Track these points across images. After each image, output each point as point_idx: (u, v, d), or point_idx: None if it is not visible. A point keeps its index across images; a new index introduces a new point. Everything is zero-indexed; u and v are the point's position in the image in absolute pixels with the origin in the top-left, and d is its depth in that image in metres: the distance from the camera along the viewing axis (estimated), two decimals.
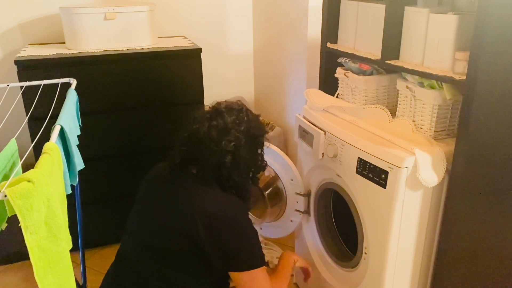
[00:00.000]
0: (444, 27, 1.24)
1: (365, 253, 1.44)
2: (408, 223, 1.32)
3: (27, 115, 1.74)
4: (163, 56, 2.07)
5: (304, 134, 1.63)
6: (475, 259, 1.40)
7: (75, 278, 1.03)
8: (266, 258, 2.09)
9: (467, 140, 1.20)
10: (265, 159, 1.42)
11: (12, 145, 1.22)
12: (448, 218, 1.30)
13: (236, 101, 1.37)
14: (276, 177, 1.75)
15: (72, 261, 0.97)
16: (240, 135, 1.27)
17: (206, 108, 1.38)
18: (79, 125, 1.56)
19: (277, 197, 1.79)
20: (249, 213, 1.41)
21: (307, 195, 1.71)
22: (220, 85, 2.77)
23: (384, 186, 1.28)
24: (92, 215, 2.14)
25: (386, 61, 1.41)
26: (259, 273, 1.24)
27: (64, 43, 2.19)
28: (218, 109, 1.31)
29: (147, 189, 1.40)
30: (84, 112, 1.73)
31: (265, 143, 1.40)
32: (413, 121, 1.39)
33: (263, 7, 2.61)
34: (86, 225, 1.95)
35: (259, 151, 1.37)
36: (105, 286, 1.37)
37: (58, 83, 1.60)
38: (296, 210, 1.75)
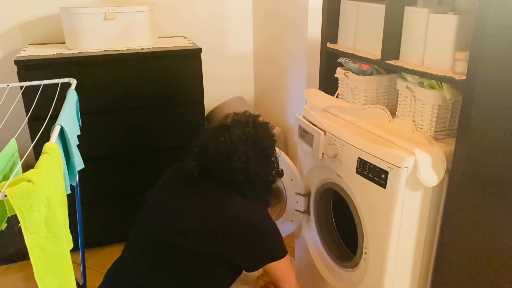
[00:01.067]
0: (444, 27, 1.24)
1: (365, 253, 1.44)
2: (408, 223, 1.32)
3: (27, 115, 1.74)
4: (163, 56, 2.07)
5: (304, 134, 1.63)
6: (475, 259, 1.40)
7: (75, 278, 1.03)
8: None
9: (467, 140, 1.20)
10: (280, 168, 1.45)
11: (12, 145, 1.22)
12: (448, 218, 1.31)
13: (243, 112, 1.39)
14: None
15: (72, 261, 0.97)
16: (248, 150, 1.30)
17: (216, 121, 1.40)
18: (79, 125, 1.56)
19: (277, 197, 1.79)
20: None
21: (307, 195, 1.71)
22: (220, 85, 2.77)
23: (384, 186, 1.28)
24: (92, 215, 2.14)
25: (386, 61, 1.41)
26: (284, 262, 1.37)
27: (64, 43, 2.19)
28: (225, 124, 1.34)
29: (165, 192, 1.41)
30: (84, 112, 1.73)
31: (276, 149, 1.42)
32: (413, 121, 1.39)
33: (263, 7, 2.61)
34: (86, 225, 1.95)
35: (271, 160, 1.39)
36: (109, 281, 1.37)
37: (58, 83, 1.60)
38: (296, 210, 1.75)
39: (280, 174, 1.46)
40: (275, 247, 1.37)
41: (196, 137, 1.41)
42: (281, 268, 1.39)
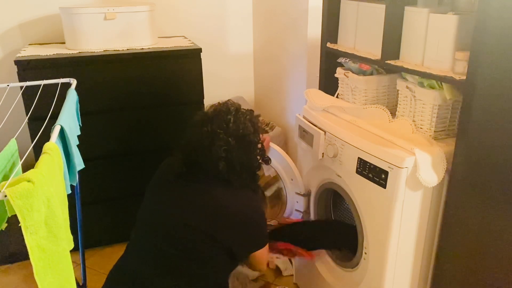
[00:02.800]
0: (444, 27, 1.24)
1: (365, 253, 1.44)
2: (408, 223, 1.32)
3: (27, 115, 1.74)
4: (163, 56, 2.07)
5: (304, 134, 1.63)
6: (475, 259, 1.40)
7: (75, 278, 1.03)
8: None
9: (467, 140, 1.20)
10: (266, 155, 1.45)
11: (12, 145, 1.22)
12: (448, 218, 1.30)
13: (226, 101, 1.39)
14: (276, 177, 1.76)
15: (72, 261, 0.97)
16: (229, 138, 1.30)
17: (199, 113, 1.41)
18: (79, 125, 1.56)
19: (277, 197, 1.79)
20: None
21: (307, 195, 1.71)
22: (220, 85, 2.77)
23: (384, 186, 1.28)
24: (92, 215, 2.14)
25: (386, 61, 1.41)
26: (266, 248, 1.44)
27: (64, 43, 2.19)
28: (208, 114, 1.34)
29: (160, 187, 1.43)
30: (84, 112, 1.73)
31: (266, 138, 1.44)
32: (413, 121, 1.39)
33: (263, 7, 2.61)
34: (86, 225, 1.94)
35: (254, 147, 1.38)
36: (113, 280, 1.38)
37: (58, 83, 1.60)
38: (296, 210, 1.75)
39: (267, 160, 1.46)
40: (260, 236, 1.42)
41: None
42: (262, 253, 1.43)
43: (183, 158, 1.36)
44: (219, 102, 1.39)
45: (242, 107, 1.40)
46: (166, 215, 1.35)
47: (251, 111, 1.42)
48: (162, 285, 1.29)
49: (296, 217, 1.76)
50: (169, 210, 1.35)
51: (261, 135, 1.43)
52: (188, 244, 1.31)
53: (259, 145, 1.39)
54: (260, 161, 1.42)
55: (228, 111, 1.34)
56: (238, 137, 1.32)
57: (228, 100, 1.40)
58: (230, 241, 1.33)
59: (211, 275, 1.34)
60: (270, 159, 1.49)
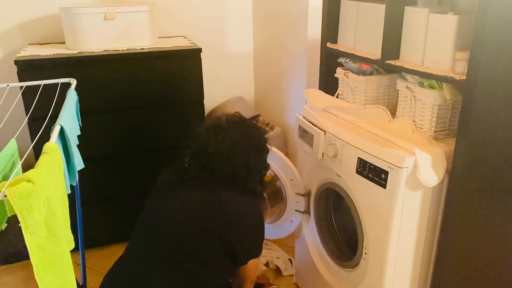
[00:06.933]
0: (444, 27, 1.24)
1: (365, 253, 1.44)
2: (408, 223, 1.32)
3: (27, 115, 1.75)
4: (163, 56, 2.07)
5: (304, 134, 1.63)
6: (475, 259, 1.40)
7: (75, 278, 1.03)
8: (266, 259, 2.09)
9: (467, 140, 1.20)
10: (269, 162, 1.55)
11: (12, 145, 1.22)
12: (448, 218, 1.31)
13: (234, 113, 1.51)
14: (276, 178, 1.76)
15: (72, 261, 0.97)
16: (248, 147, 1.41)
17: (206, 122, 1.52)
18: (79, 125, 1.56)
19: (277, 197, 1.79)
20: None
21: (307, 195, 1.71)
22: (220, 85, 2.77)
23: (384, 186, 1.28)
24: (92, 215, 2.14)
25: (386, 61, 1.41)
26: (257, 260, 1.52)
27: (64, 43, 2.19)
28: (221, 125, 1.43)
29: (165, 188, 1.46)
30: (84, 112, 1.73)
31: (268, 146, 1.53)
32: (413, 121, 1.39)
33: (263, 7, 2.61)
34: (86, 225, 1.95)
35: (265, 156, 1.51)
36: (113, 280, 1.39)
37: (58, 83, 1.60)
38: (296, 211, 1.75)
39: (267, 169, 1.58)
40: (261, 242, 1.47)
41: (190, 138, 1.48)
42: (256, 263, 1.51)
43: (193, 163, 1.41)
44: (227, 114, 1.51)
45: (252, 119, 1.55)
46: (170, 214, 1.35)
47: (257, 121, 1.55)
48: (163, 284, 1.29)
49: (296, 217, 1.77)
50: (173, 209, 1.36)
51: (269, 143, 1.55)
52: (191, 244, 1.31)
53: (267, 153, 1.52)
54: (266, 167, 1.53)
55: (242, 122, 1.47)
56: (254, 145, 1.44)
57: (236, 112, 1.53)
58: (233, 243, 1.34)
59: (212, 277, 1.35)
60: (269, 165, 1.58)
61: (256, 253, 1.47)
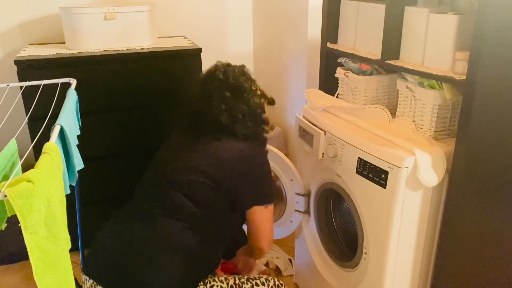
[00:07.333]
0: (444, 27, 1.24)
1: (365, 253, 1.43)
2: (408, 223, 1.31)
3: (27, 115, 1.74)
4: (163, 56, 2.07)
5: (304, 134, 1.63)
6: (475, 259, 1.40)
7: (75, 278, 1.03)
8: (266, 259, 2.09)
9: (467, 140, 1.20)
10: (270, 96, 1.57)
11: (12, 145, 1.22)
12: (448, 218, 1.30)
13: (216, 62, 1.54)
14: (276, 178, 1.75)
15: (72, 261, 0.97)
16: (224, 91, 1.41)
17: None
18: (79, 125, 1.56)
19: (277, 197, 1.79)
20: None
21: (307, 195, 1.71)
22: None
23: (384, 186, 1.28)
24: (92, 215, 2.13)
25: (386, 61, 1.41)
26: (268, 212, 1.42)
27: (64, 43, 2.19)
28: (203, 76, 1.51)
29: (169, 140, 1.54)
30: (84, 112, 1.73)
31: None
32: (413, 121, 1.39)
33: (263, 7, 2.61)
34: (86, 225, 1.95)
35: (250, 93, 1.47)
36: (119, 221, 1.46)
37: (58, 83, 1.60)
38: (296, 211, 1.75)
39: (271, 101, 1.58)
40: (262, 186, 1.42)
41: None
42: (263, 217, 1.42)
43: (190, 117, 1.48)
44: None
45: (232, 64, 1.53)
46: (173, 158, 1.41)
47: (242, 65, 1.54)
48: (169, 225, 1.31)
49: (296, 217, 1.76)
50: (177, 154, 1.41)
51: (256, 83, 1.52)
52: (193, 187, 1.33)
53: (258, 92, 1.50)
54: (262, 102, 1.51)
55: (217, 68, 1.48)
56: (231, 88, 1.42)
57: (218, 61, 1.54)
58: (232, 187, 1.35)
59: (214, 223, 1.37)
60: (273, 99, 1.57)
61: (261, 199, 1.41)
